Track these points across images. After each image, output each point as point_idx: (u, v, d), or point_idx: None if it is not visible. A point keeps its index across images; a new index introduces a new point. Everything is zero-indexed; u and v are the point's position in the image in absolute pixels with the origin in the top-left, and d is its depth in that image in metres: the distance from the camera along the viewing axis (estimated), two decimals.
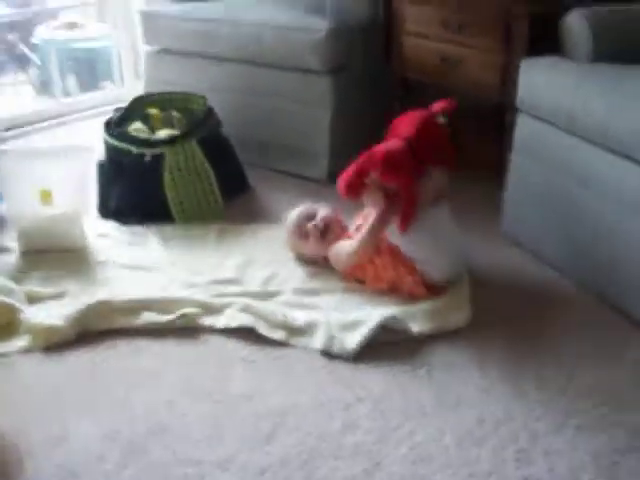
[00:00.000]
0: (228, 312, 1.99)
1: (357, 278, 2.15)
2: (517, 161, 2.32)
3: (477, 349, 1.88)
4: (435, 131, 2.06)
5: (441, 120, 2.06)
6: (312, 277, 2.22)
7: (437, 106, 2.09)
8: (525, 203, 2.30)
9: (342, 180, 2.04)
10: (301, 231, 2.26)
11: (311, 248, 2.24)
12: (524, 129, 2.26)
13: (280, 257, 2.32)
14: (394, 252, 2.09)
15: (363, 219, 2.16)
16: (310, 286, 2.16)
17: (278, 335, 1.92)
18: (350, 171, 2.02)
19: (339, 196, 2.09)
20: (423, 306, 2.01)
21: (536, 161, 2.22)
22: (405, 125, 2.04)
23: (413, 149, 1.99)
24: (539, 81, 2.16)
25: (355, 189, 2.03)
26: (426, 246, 2.07)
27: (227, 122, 2.82)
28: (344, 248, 2.15)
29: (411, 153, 1.98)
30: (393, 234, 2.08)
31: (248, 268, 2.26)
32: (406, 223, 2.00)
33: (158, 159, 2.52)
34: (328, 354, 1.85)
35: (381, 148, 2.00)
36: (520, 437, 1.58)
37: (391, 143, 2.01)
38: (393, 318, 1.92)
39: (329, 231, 2.23)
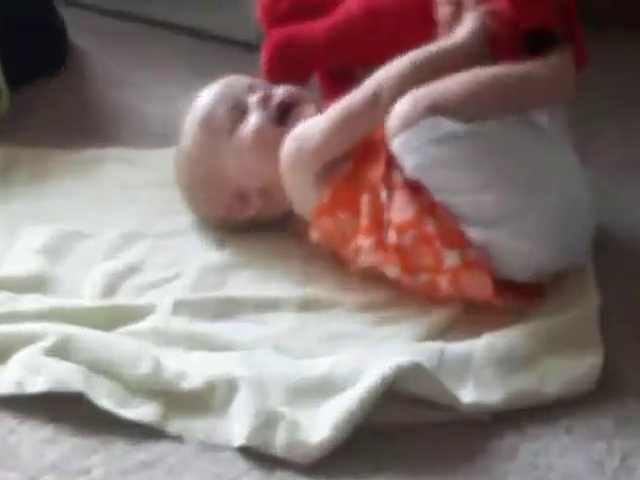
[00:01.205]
0: (24, 357, 1.54)
1: (329, 250, 1.74)
2: None
3: (613, 437, 1.42)
4: None
5: None
6: (228, 266, 1.74)
7: None
8: None
9: None
10: (232, 115, 1.80)
11: (252, 141, 1.77)
12: None
13: (158, 221, 1.85)
14: (419, 195, 1.61)
15: None
16: (225, 292, 1.66)
17: (141, 411, 1.46)
18: None
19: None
20: (487, 336, 1.53)
21: None
22: None
23: None
24: None
25: None
26: (500, 191, 1.60)
27: None
28: (310, 127, 1.74)
29: None
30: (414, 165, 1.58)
31: (72, 250, 1.78)
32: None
33: None
34: (257, 456, 1.39)
35: None
36: None
37: None
38: (415, 369, 1.43)
39: (294, 114, 1.81)
